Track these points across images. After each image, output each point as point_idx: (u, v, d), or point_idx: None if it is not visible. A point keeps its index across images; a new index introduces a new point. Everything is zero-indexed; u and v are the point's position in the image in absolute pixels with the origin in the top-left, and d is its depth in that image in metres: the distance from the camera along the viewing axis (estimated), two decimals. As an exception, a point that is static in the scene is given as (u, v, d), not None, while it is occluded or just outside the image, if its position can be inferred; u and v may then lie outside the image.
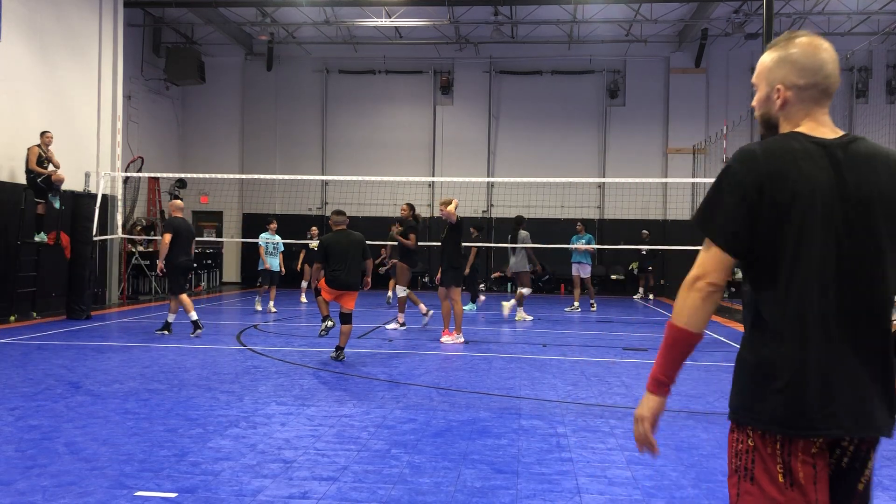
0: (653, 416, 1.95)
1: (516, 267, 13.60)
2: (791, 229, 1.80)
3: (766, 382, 1.82)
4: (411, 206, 11.92)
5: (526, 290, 13.61)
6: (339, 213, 8.85)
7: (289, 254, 20.73)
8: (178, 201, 11.03)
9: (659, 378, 1.94)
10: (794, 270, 1.81)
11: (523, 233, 13.56)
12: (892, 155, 1.92)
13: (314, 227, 16.15)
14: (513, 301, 13.60)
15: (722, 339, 11.32)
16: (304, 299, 16.42)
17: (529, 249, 13.68)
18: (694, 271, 1.89)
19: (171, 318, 10.57)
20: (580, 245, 15.80)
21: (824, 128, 1.93)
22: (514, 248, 13.52)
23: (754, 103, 2.05)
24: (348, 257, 8.40)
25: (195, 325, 10.29)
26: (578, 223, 16.88)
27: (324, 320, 8.56)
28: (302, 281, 16.57)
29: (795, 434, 1.79)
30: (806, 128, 1.92)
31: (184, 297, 10.40)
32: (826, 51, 1.95)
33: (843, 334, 1.81)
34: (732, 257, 1.87)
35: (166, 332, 10.44)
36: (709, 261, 1.87)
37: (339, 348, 8.44)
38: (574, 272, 16.11)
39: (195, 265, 10.90)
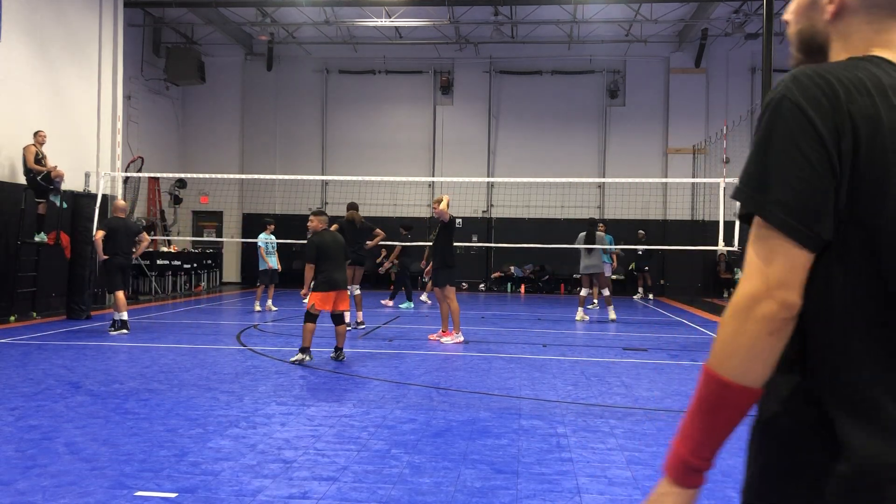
0: None
1: (594, 268, 13.68)
2: (886, 213, 1.09)
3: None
4: (350, 206, 11.80)
5: (584, 292, 13.86)
6: (321, 212, 8.71)
7: (289, 253, 20.80)
8: (120, 202, 11.33)
9: (691, 462, 1.18)
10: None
11: (600, 234, 13.72)
12: None
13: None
14: (611, 309, 13.80)
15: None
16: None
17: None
18: (749, 285, 1.11)
19: (123, 315, 10.64)
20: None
21: None
22: (588, 250, 13.61)
23: (788, 15, 1.35)
24: (337, 256, 8.33)
25: (123, 323, 10.55)
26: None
27: (304, 351, 8.14)
28: None
29: None
30: (884, 52, 1.19)
31: (119, 294, 10.66)
32: None
33: None
34: (812, 253, 1.11)
35: (124, 331, 10.50)
36: (776, 264, 1.10)
37: (337, 349, 8.43)
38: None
39: (131, 264, 11.11)
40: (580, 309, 13.87)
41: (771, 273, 1.10)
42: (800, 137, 1.09)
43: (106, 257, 10.57)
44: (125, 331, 10.50)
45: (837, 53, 1.25)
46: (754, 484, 1.22)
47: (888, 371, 1.10)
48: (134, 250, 11.08)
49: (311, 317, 8.18)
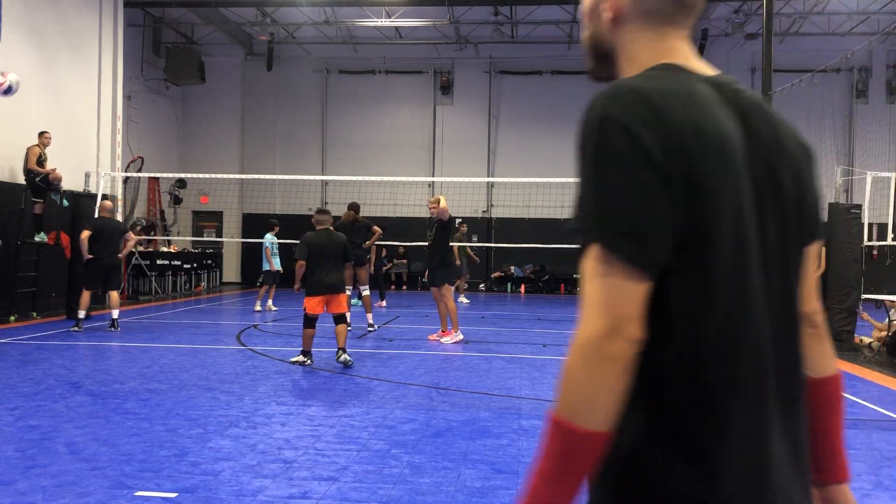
0: None
1: None
2: (719, 223, 1.06)
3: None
4: (349, 207, 11.83)
5: None
6: (322, 211, 8.58)
7: (289, 253, 20.81)
8: (107, 202, 11.35)
9: None
10: (726, 297, 1.06)
11: None
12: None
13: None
14: None
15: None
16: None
17: None
18: (596, 324, 1.02)
19: (81, 314, 10.78)
20: None
21: (695, 60, 1.20)
22: None
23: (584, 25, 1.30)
24: (327, 258, 8.08)
25: (77, 322, 10.73)
26: None
27: (305, 354, 8.10)
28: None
29: None
30: (673, 61, 1.18)
31: (85, 294, 10.76)
32: None
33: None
34: (651, 281, 1.05)
35: (76, 329, 10.63)
36: (621, 298, 1.02)
37: (342, 349, 8.27)
38: None
39: (118, 264, 11.03)
40: None
41: (616, 309, 1.02)
42: (631, 160, 1.02)
43: (90, 257, 10.63)
44: (78, 326, 10.63)
45: (622, 61, 1.22)
46: None
47: (714, 407, 1.05)
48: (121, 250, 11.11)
49: (309, 321, 8.07)
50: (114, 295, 10.90)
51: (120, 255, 11.09)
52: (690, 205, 1.03)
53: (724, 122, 1.08)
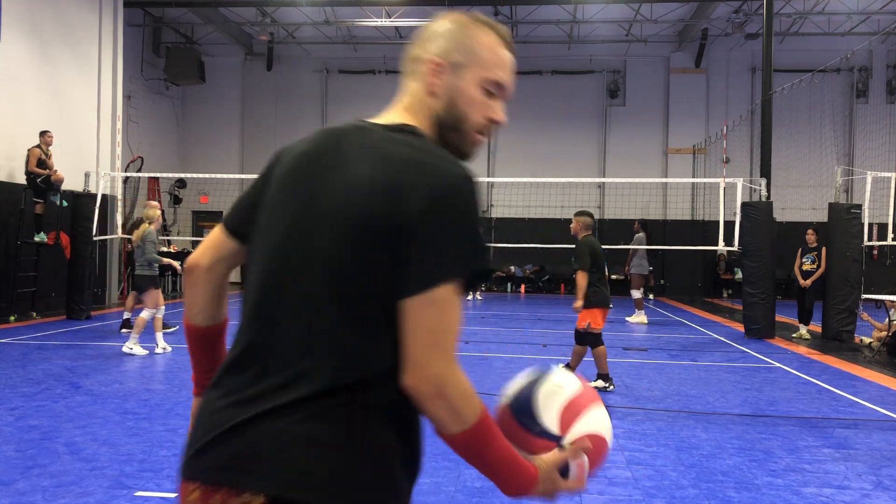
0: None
1: (643, 269, 13.85)
2: (259, 214, 1.55)
3: None
4: None
5: (639, 293, 13.97)
6: (588, 213, 7.83)
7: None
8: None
9: (194, 378, 1.65)
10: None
11: (641, 235, 13.91)
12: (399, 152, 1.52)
13: None
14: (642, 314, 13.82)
15: (722, 339, 11.31)
16: None
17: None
18: (196, 252, 1.62)
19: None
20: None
21: (386, 115, 1.75)
22: (640, 251, 13.86)
23: None
24: (602, 267, 7.45)
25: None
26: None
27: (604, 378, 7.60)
28: None
29: None
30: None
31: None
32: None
33: None
34: (228, 234, 1.59)
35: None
36: (209, 240, 1.61)
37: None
38: None
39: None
40: (642, 312, 13.82)
41: (205, 246, 1.60)
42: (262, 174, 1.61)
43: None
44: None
45: None
46: None
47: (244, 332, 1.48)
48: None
49: (597, 338, 7.47)
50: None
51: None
52: (259, 199, 1.56)
53: (303, 150, 1.55)
